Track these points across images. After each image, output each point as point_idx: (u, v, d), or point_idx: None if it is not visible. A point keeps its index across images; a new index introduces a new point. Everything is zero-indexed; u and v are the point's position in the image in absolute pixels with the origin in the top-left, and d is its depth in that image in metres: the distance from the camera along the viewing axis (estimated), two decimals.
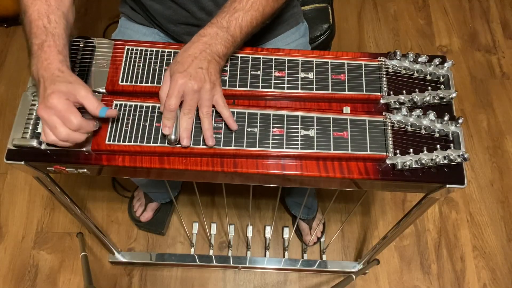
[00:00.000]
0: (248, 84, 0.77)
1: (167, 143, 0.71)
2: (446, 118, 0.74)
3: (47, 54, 0.66)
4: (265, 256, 1.42)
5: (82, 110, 0.66)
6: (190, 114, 0.69)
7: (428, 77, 0.80)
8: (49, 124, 0.64)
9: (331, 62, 0.80)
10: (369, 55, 0.81)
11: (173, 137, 0.69)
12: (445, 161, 0.71)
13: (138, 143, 0.72)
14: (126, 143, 0.72)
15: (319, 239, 1.44)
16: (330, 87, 0.78)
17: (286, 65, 0.79)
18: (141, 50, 0.80)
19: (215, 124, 0.73)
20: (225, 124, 0.73)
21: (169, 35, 0.98)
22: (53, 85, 0.64)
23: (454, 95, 0.77)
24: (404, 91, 0.78)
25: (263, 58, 0.79)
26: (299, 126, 0.74)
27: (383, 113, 0.75)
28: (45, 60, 0.66)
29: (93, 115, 0.66)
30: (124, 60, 0.79)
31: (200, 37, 0.71)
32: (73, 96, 0.64)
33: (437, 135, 0.74)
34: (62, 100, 0.63)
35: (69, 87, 0.64)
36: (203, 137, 0.71)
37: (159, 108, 0.74)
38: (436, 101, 0.77)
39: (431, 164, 0.71)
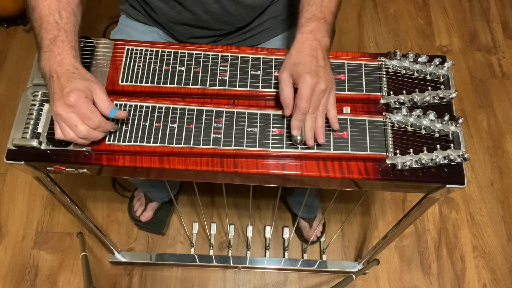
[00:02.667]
0: (248, 84, 0.77)
1: (293, 144, 0.71)
2: (446, 118, 0.74)
3: (60, 49, 0.66)
4: (265, 256, 1.42)
5: None
6: (314, 113, 0.69)
7: (428, 77, 0.80)
8: (69, 122, 0.63)
9: (331, 62, 0.79)
10: (369, 55, 0.81)
11: (299, 137, 0.69)
12: (445, 161, 0.71)
13: (138, 143, 0.72)
14: (126, 143, 0.72)
15: (318, 238, 1.44)
16: None
17: None
18: (141, 50, 0.80)
19: (215, 124, 0.73)
20: (226, 124, 0.73)
21: (169, 34, 0.98)
22: (70, 83, 0.64)
23: (454, 95, 0.77)
24: (404, 91, 0.78)
25: (263, 58, 0.80)
26: None
27: (383, 113, 0.75)
28: (59, 55, 0.66)
29: (103, 114, 0.66)
30: (124, 60, 0.79)
31: (307, 35, 0.71)
32: (90, 93, 0.65)
33: (437, 135, 0.75)
34: (82, 98, 0.63)
35: (86, 85, 0.64)
36: (202, 137, 0.72)
37: (159, 108, 0.74)
38: (436, 101, 0.77)
39: (431, 164, 0.71)
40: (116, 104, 0.74)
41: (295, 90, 0.70)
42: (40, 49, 0.68)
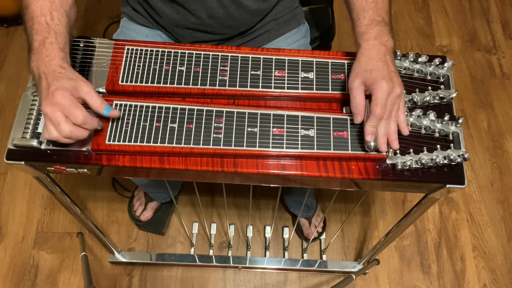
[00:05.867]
0: (248, 84, 0.77)
1: (366, 149, 0.70)
2: (446, 118, 0.74)
3: (48, 50, 0.66)
4: (265, 256, 1.42)
5: (86, 107, 0.66)
6: (388, 119, 0.69)
7: (428, 77, 0.80)
8: (53, 120, 0.64)
9: (331, 62, 0.80)
10: None
11: (373, 144, 0.69)
12: (445, 161, 0.71)
13: (138, 143, 0.72)
14: (126, 143, 0.72)
15: (320, 234, 1.44)
16: (330, 87, 0.78)
17: (286, 65, 0.79)
18: (141, 50, 0.80)
19: (215, 124, 0.73)
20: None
21: (172, 37, 0.98)
22: (56, 82, 0.64)
23: (454, 95, 0.77)
24: (404, 91, 0.77)
25: (263, 58, 0.79)
26: (299, 126, 0.74)
27: None
28: (47, 56, 0.66)
29: (96, 112, 0.67)
30: (124, 60, 0.79)
31: (372, 41, 0.71)
32: (76, 92, 0.65)
33: (437, 135, 0.74)
34: (67, 96, 0.63)
35: (72, 83, 0.65)
36: (202, 137, 0.72)
37: (159, 108, 0.74)
38: (436, 101, 0.77)
39: (431, 164, 0.71)
40: (116, 104, 0.74)
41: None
42: (30, 50, 0.68)
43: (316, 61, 0.80)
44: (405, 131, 0.72)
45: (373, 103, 0.68)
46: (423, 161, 0.71)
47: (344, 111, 0.76)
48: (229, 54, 0.80)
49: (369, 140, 0.69)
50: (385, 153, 0.72)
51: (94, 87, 0.67)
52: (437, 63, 0.79)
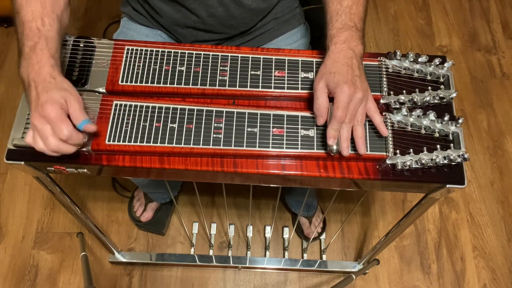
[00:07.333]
0: (248, 84, 0.77)
1: (329, 153, 0.70)
2: (446, 118, 0.74)
3: (39, 57, 0.65)
4: (265, 256, 1.42)
5: None
6: (350, 123, 0.69)
7: (428, 77, 0.80)
8: (41, 133, 0.63)
9: None
10: (369, 55, 0.81)
11: (335, 147, 0.69)
12: (445, 161, 0.71)
13: (138, 143, 0.72)
14: (126, 143, 0.72)
15: (319, 234, 1.44)
16: None
17: (286, 65, 0.79)
18: (141, 50, 0.80)
19: (215, 124, 0.73)
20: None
21: (173, 37, 0.98)
22: (46, 93, 0.63)
23: (454, 95, 0.77)
24: (404, 91, 0.78)
25: (263, 58, 0.80)
26: (299, 126, 0.74)
27: (383, 113, 0.75)
28: (37, 63, 0.65)
29: (74, 125, 0.65)
30: (124, 60, 0.79)
31: (340, 45, 0.71)
32: (65, 104, 0.64)
33: (437, 135, 0.74)
34: (56, 109, 0.62)
35: (62, 94, 0.63)
36: (202, 137, 0.72)
37: (159, 108, 0.74)
38: (436, 101, 0.77)
39: (431, 164, 0.71)
40: (116, 104, 0.74)
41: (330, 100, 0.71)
42: (20, 55, 0.67)
43: (316, 61, 0.80)
44: (385, 132, 0.72)
45: (335, 106, 0.68)
46: (423, 161, 0.71)
47: None
48: (229, 54, 0.80)
49: (331, 144, 0.69)
50: (385, 153, 0.72)
51: (81, 100, 0.66)
52: (437, 63, 0.79)
